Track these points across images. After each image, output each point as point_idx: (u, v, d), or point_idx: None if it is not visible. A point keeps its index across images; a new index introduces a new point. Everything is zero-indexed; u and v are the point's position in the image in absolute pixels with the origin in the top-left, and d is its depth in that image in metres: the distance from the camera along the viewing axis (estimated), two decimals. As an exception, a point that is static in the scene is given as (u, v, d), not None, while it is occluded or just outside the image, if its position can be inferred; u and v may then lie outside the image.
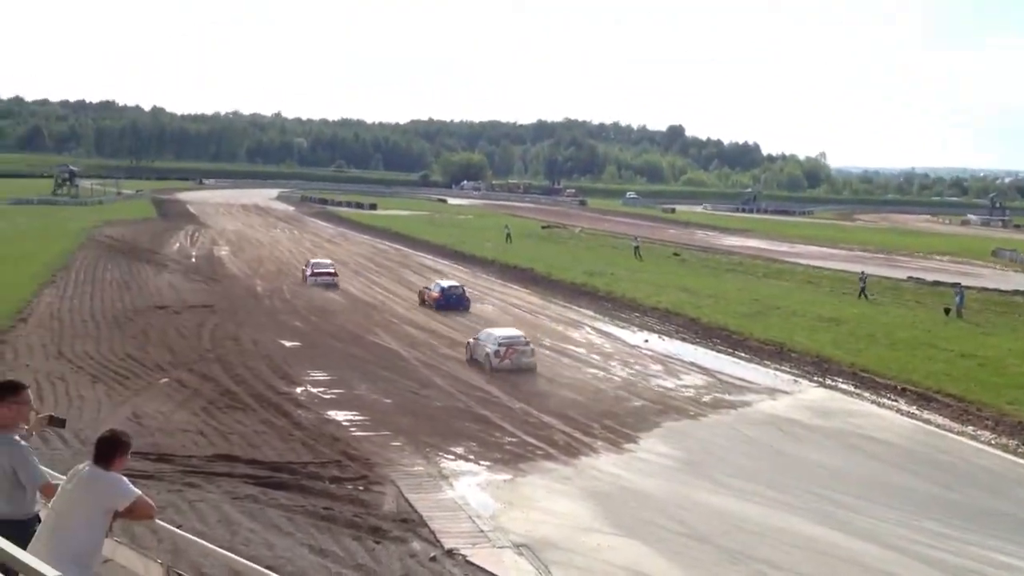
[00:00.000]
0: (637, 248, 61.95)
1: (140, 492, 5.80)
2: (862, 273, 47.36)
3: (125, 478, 5.74)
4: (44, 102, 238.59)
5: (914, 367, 28.77)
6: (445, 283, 40.64)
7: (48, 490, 6.12)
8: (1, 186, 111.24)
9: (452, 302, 38.14)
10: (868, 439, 22.19)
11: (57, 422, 7.12)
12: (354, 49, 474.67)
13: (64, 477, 6.05)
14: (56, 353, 26.04)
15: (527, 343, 28.60)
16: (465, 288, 40.25)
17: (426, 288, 40.26)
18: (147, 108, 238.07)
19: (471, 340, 29.54)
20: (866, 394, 26.61)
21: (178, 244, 59.65)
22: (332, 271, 45.36)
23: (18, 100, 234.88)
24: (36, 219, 69.99)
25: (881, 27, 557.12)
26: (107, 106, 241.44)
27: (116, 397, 21.93)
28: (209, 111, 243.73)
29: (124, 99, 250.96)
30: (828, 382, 28.11)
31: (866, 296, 44.25)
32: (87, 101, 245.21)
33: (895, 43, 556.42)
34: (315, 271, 44.95)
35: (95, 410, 20.46)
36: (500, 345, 27.79)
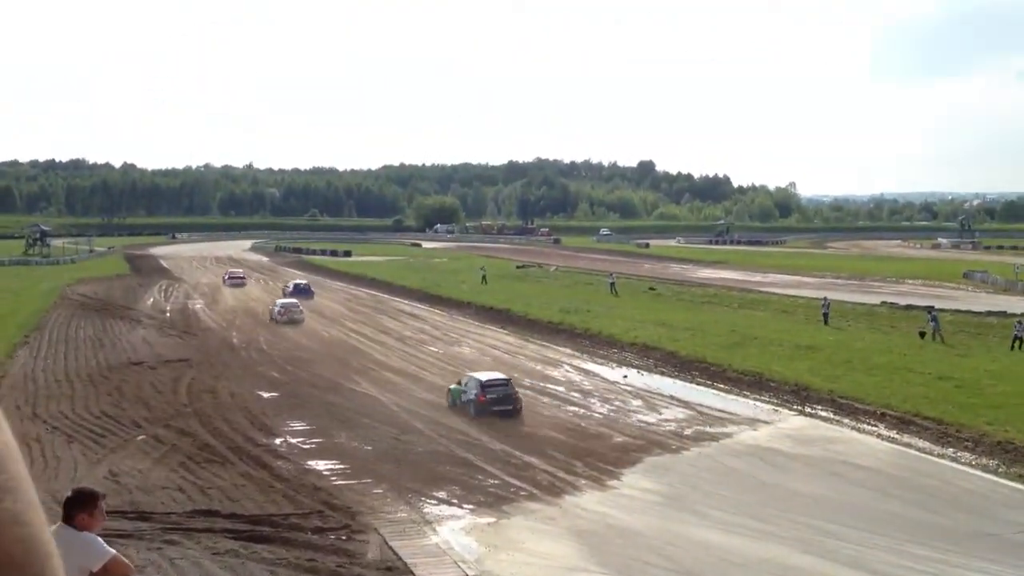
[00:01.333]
0: (613, 284, 62.16)
1: (115, 552, 5.68)
2: (824, 299, 47.87)
3: (99, 538, 5.63)
4: (14, 163, 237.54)
5: (892, 391, 28.90)
6: (296, 281, 61.47)
7: None
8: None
9: (299, 291, 55.91)
10: (850, 466, 22.22)
11: None
12: (323, 97, 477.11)
13: None
14: (31, 414, 25.74)
15: (299, 307, 47.89)
16: (310, 284, 60.02)
17: (285, 285, 59.74)
18: (117, 165, 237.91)
19: (270, 308, 49.15)
20: (846, 420, 26.70)
21: (152, 299, 59.25)
22: (242, 275, 66.40)
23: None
24: (8, 280, 69.41)
25: (844, 59, 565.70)
26: (77, 164, 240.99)
27: (92, 456, 21.68)
28: (180, 165, 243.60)
29: (94, 157, 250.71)
30: (808, 410, 28.18)
31: (826, 321, 44.77)
32: (57, 160, 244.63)
33: (857, 74, 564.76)
34: (230, 276, 66.62)
35: (71, 470, 20.22)
36: (281, 307, 47.52)
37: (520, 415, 26.51)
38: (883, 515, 18.64)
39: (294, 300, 50.32)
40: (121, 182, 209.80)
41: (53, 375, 31.81)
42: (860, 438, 25.04)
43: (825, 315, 45.40)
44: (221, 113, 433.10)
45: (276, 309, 47.55)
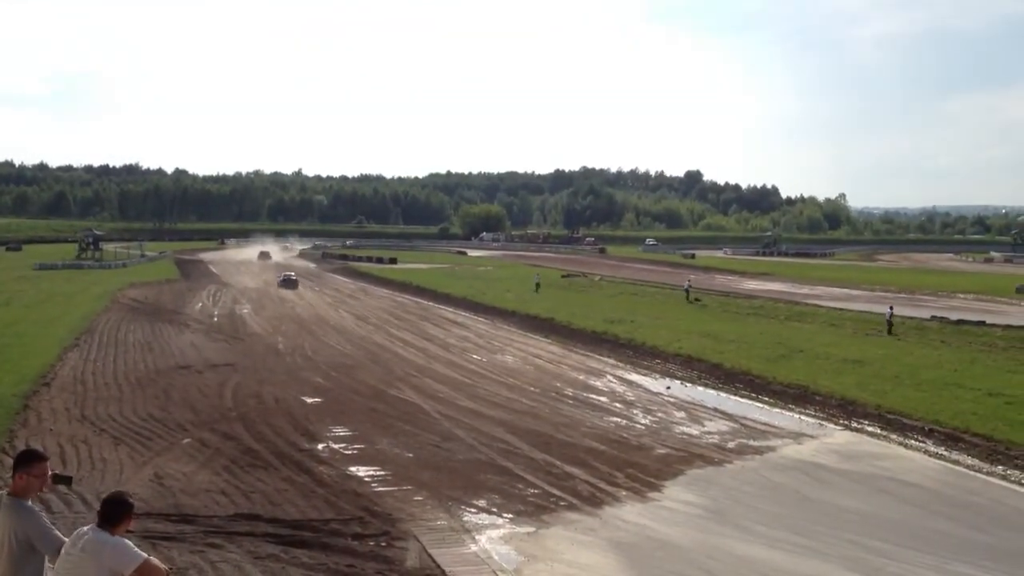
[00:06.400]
0: (688, 291, 63.44)
1: (146, 556, 5.72)
2: (890, 308, 48.26)
3: (130, 542, 5.68)
4: (68, 168, 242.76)
5: (941, 407, 28.42)
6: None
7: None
8: (27, 252, 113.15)
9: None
10: (896, 482, 21.86)
11: (62, 479, 7.09)
12: (371, 105, 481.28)
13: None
14: (79, 416, 26.06)
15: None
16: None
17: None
18: (169, 171, 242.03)
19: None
20: (893, 436, 26.28)
21: (200, 304, 60.03)
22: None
23: (43, 167, 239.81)
24: (60, 284, 70.70)
25: (897, 71, 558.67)
26: (130, 170, 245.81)
27: (138, 458, 21.89)
28: (230, 171, 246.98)
29: (147, 163, 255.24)
30: (854, 425, 27.79)
31: (890, 330, 44.75)
32: (111, 166, 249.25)
33: (911, 84, 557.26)
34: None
35: (117, 472, 20.44)
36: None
37: None
38: (929, 532, 18.32)
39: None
40: (173, 188, 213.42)
41: (102, 378, 32.22)
42: (907, 454, 24.63)
43: (889, 324, 45.93)
44: (271, 121, 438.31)
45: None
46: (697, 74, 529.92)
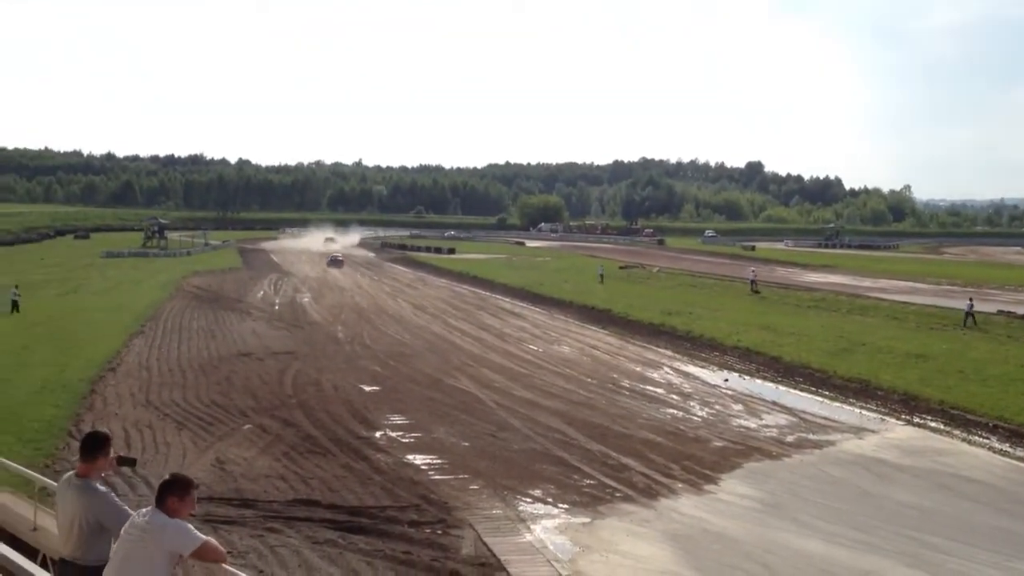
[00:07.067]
0: (754, 282, 63.10)
1: (205, 539, 5.82)
2: (970, 300, 48.01)
3: (189, 525, 5.78)
4: (135, 158, 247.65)
5: (1007, 403, 27.84)
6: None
7: None
8: (95, 240, 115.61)
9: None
10: (959, 478, 21.49)
11: (127, 462, 7.26)
12: (431, 95, 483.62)
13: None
14: (144, 401, 26.62)
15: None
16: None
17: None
18: (233, 161, 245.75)
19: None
20: (956, 432, 25.83)
21: (262, 292, 60.83)
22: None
23: (110, 156, 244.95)
24: (127, 271, 72.20)
25: (963, 60, 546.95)
26: (195, 160, 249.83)
27: (201, 443, 22.31)
28: (292, 162, 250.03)
29: (212, 153, 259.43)
30: (916, 420, 27.35)
31: (974, 321, 45.27)
32: (176, 156, 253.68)
33: (977, 74, 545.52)
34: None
35: (180, 456, 20.86)
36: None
37: None
38: (991, 529, 17.99)
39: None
40: (236, 178, 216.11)
41: (166, 364, 32.85)
42: (970, 450, 24.19)
43: (969, 316, 46.03)
44: (333, 112, 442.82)
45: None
46: (760, 64, 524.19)
